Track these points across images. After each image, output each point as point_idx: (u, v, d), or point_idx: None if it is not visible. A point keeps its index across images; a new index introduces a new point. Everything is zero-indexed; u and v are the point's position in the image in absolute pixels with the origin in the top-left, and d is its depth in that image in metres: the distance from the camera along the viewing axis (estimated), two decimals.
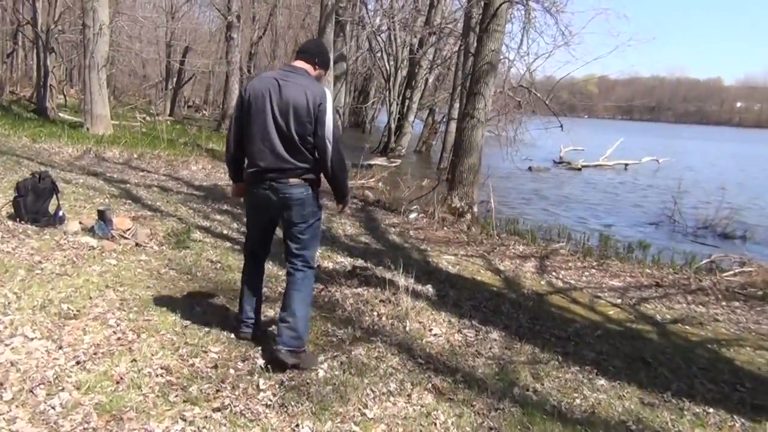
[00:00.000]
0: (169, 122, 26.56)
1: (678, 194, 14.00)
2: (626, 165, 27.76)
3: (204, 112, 43.51)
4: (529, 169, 22.72)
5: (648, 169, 27.81)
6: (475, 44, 11.74)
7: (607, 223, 13.74)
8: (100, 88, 17.52)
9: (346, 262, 6.57)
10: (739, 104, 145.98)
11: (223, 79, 29.74)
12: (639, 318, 5.76)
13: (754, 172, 29.06)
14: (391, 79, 27.28)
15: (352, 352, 4.11)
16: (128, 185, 9.93)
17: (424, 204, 11.77)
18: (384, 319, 4.75)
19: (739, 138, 72.15)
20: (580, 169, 25.62)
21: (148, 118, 26.34)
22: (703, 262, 9.85)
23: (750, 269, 8.97)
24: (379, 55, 29.94)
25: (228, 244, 6.82)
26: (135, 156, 14.11)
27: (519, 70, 17.83)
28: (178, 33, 35.25)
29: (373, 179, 16.08)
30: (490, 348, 4.49)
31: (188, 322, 4.39)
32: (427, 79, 27.62)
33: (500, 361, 4.26)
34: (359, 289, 5.37)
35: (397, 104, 26.91)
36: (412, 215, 10.81)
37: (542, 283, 6.80)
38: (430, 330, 4.65)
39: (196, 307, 4.69)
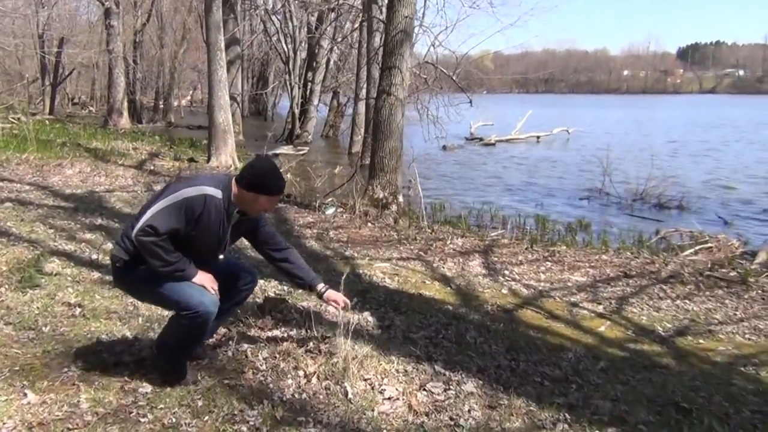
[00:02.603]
0: (47, 122, 23.98)
1: (604, 166, 13.16)
2: (538, 137, 27.26)
3: (91, 108, 40.33)
4: (443, 148, 21.62)
5: (559, 139, 27.44)
6: (385, 13, 10.38)
7: (537, 201, 12.77)
8: None
9: (255, 287, 5.06)
10: (625, 72, 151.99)
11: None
12: (637, 333, 4.59)
13: (660, 137, 29.24)
14: (290, 61, 25.52)
15: None
16: None
17: (341, 197, 10.36)
18: (315, 381, 3.32)
19: (630, 104, 74.25)
20: (493, 144, 24.84)
21: (23, 119, 23.61)
22: (653, 240, 9.01)
23: (709, 245, 8.13)
24: (275, 37, 28.04)
25: (97, 274, 5.17)
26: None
27: (422, 46, 16.74)
28: (53, 24, 32.02)
29: (280, 170, 14.47)
30: (469, 411, 3.15)
31: (12, 424, 2.83)
32: (328, 60, 26.05)
33: None
34: (276, 332, 3.90)
35: (299, 88, 25.24)
36: (330, 211, 9.37)
37: (503, 291, 5.51)
38: (382, 391, 3.26)
39: (29, 392, 3.11)
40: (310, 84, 24.98)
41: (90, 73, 40.74)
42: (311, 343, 3.68)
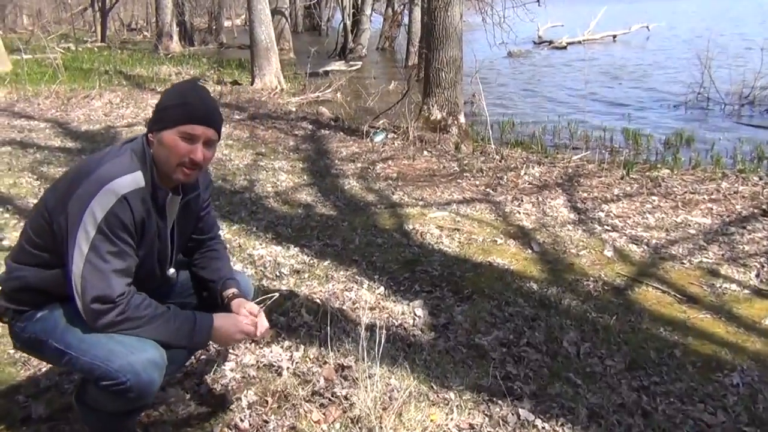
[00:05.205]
0: (96, 49, 23.25)
1: (703, 64, 11.05)
2: (614, 36, 24.62)
3: (146, 33, 39.46)
4: (508, 54, 19.51)
5: (638, 37, 24.69)
6: None
7: (623, 112, 10.91)
8: None
9: (266, 257, 3.78)
10: None
11: None
12: None
13: (752, 29, 25.97)
14: None
15: None
16: None
17: (393, 118, 8.88)
18: None
19: None
20: (565, 47, 22.48)
21: (74, 48, 22.98)
22: None
23: None
24: None
25: None
26: (27, 96, 11.05)
27: None
28: None
29: (329, 90, 13.03)
30: None
31: None
32: None
33: None
34: (274, 350, 2.62)
35: None
36: (379, 137, 7.96)
37: (606, 253, 4.00)
38: None
39: None
40: None
41: None
42: (322, 378, 2.38)
